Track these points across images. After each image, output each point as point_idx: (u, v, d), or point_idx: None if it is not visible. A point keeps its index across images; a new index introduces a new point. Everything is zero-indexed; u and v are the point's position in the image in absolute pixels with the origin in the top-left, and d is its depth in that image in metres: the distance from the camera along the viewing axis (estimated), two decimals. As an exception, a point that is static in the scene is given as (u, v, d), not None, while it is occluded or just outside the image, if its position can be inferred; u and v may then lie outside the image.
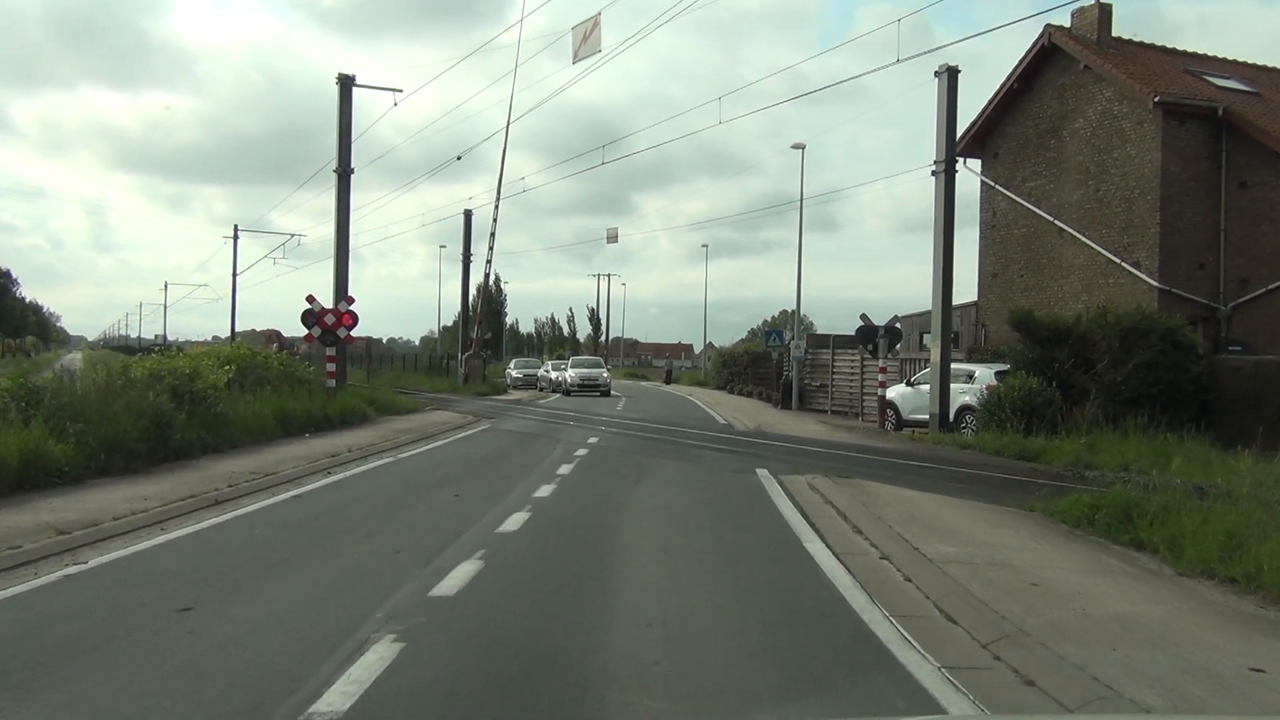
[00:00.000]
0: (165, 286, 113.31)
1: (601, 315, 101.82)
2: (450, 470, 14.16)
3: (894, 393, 25.27)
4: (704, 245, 76.81)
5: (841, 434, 23.13)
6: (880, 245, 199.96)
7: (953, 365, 23.35)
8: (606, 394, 43.70)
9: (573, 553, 8.18)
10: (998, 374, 23.08)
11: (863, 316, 25.09)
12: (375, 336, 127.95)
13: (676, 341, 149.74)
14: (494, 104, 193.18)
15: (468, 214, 47.27)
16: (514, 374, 56.46)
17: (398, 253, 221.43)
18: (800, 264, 37.19)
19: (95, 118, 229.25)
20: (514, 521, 9.53)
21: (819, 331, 41.87)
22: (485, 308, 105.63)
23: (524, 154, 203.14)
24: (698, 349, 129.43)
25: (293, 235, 55.46)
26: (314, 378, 22.60)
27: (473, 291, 47.68)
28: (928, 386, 24.53)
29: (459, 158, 31.21)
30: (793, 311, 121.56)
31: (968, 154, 28.15)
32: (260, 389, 19.79)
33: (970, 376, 23.39)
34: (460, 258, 47.27)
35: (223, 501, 10.70)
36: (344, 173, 24.89)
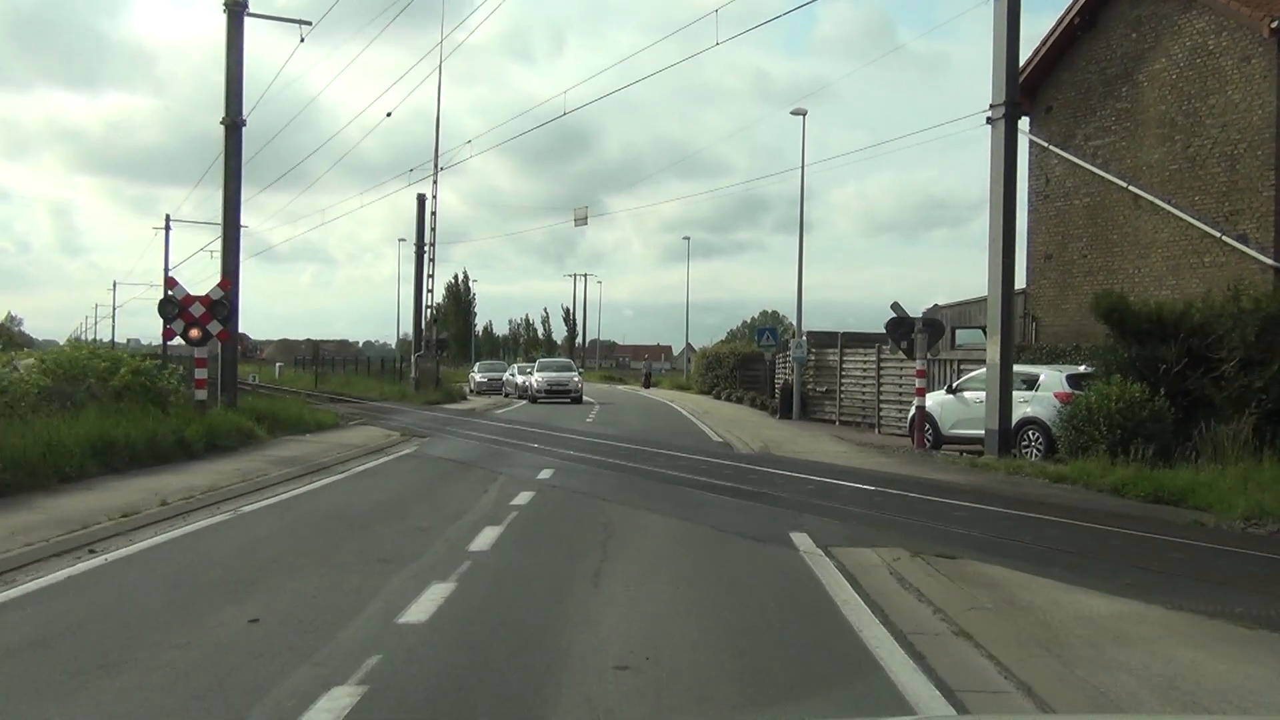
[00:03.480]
0: (114, 287, 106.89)
1: (577, 316, 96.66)
2: (294, 544, 8.70)
3: (931, 402, 20.08)
4: (685, 238, 71.65)
5: (873, 457, 17.87)
6: (852, 246, 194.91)
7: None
8: (578, 401, 38.38)
9: None
10: (1070, 379, 18.01)
11: (895, 306, 19.88)
12: (351, 340, 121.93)
13: (655, 343, 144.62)
14: (460, 106, 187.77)
15: (420, 199, 41.81)
16: (477, 378, 51.12)
17: (369, 254, 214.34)
18: (801, 252, 31.93)
19: (55, 119, 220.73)
20: (321, 714, 4.20)
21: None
22: (451, 304, 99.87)
23: (492, 156, 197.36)
24: (676, 350, 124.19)
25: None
26: (181, 389, 17.14)
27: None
28: (975, 394, 19.40)
29: (389, 114, 26.02)
30: (773, 311, 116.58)
31: (993, 121, 22.96)
32: (86, 406, 14.34)
33: (1032, 382, 18.27)
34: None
35: None
36: (233, 124, 19.37)
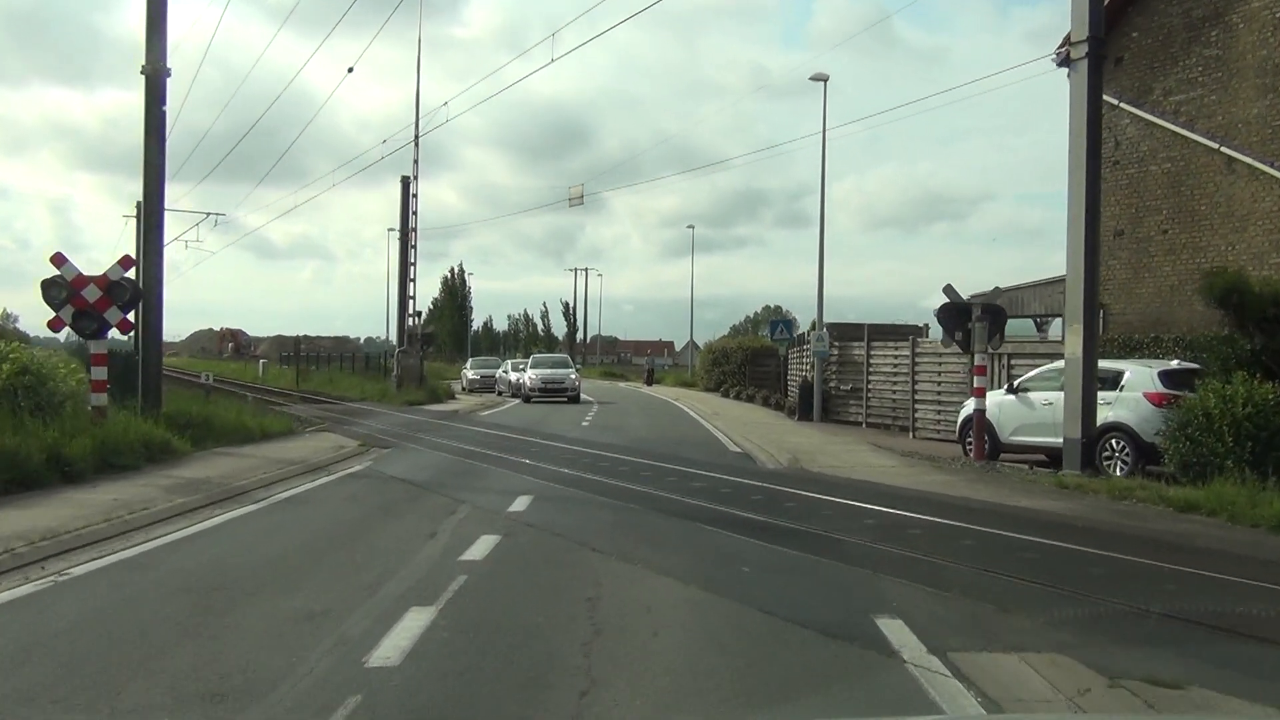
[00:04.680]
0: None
1: (578, 311, 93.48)
2: (88, 655, 5.29)
3: (988, 404, 16.90)
4: (690, 226, 68.20)
5: (929, 473, 14.66)
6: (852, 242, 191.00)
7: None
8: (575, 400, 35.19)
9: None
10: (1163, 376, 14.90)
11: (947, 290, 16.63)
12: (352, 336, 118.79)
13: (657, 339, 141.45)
14: (457, 102, 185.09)
15: (405, 180, 38.51)
16: (470, 375, 48.04)
17: (369, 250, 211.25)
18: (822, 234, 28.59)
19: (52, 116, 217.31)
20: None
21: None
22: (446, 299, 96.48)
23: (490, 150, 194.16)
24: (679, 346, 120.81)
25: (209, 214, 46.33)
26: (87, 391, 13.89)
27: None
28: (1041, 394, 16.33)
29: (350, 70, 23.26)
30: (777, 306, 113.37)
31: (1073, 62, 19.80)
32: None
33: (1113, 380, 15.15)
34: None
35: None
36: (154, 73, 16.14)
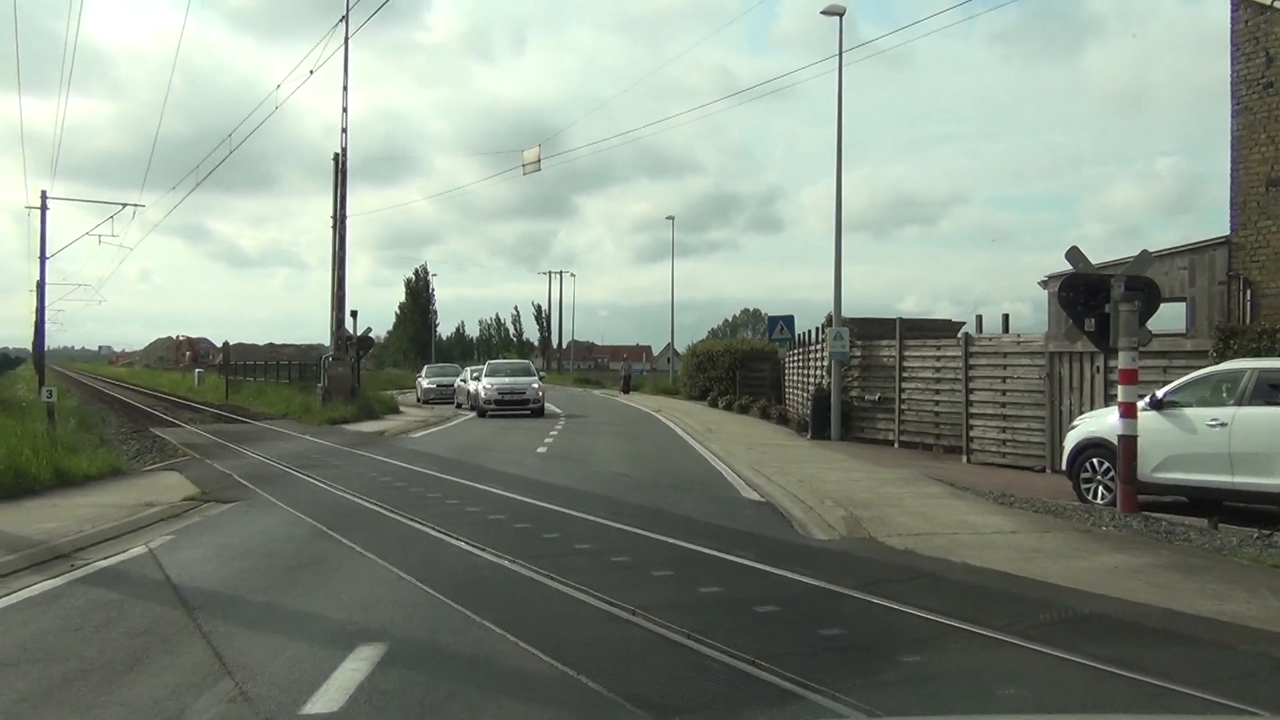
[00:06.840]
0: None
1: (553, 315, 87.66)
2: None
3: (1106, 426, 11.46)
4: (669, 217, 62.21)
5: (1087, 549, 9.04)
6: (824, 245, 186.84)
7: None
8: (538, 413, 29.57)
9: None
10: None
11: (1072, 254, 10.99)
12: (326, 344, 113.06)
13: (634, 344, 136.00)
14: (424, 108, 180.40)
15: (337, 157, 32.68)
16: (425, 384, 42.50)
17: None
18: (839, 208, 22.86)
19: (12, 123, 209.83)
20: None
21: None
22: (410, 303, 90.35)
23: (458, 156, 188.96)
24: (657, 350, 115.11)
25: (125, 205, 40.50)
26: None
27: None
28: (1205, 412, 11.07)
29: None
30: (755, 310, 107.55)
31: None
32: None
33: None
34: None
35: None
36: None
